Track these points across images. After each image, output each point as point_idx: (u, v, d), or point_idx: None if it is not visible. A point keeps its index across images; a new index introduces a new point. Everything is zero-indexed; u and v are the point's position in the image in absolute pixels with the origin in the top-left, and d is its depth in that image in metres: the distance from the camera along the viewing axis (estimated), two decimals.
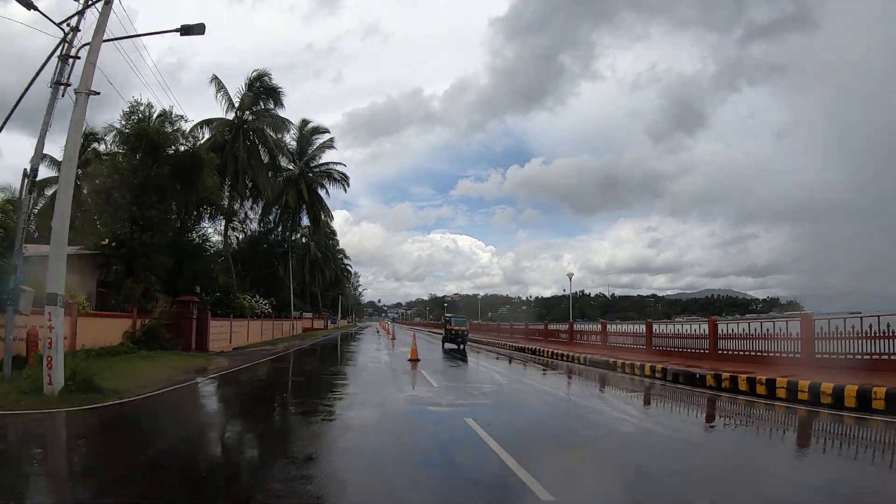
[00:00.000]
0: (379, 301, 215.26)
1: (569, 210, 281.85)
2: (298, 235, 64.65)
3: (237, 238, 40.40)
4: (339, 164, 45.42)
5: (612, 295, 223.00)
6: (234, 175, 35.86)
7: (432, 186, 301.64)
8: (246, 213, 39.38)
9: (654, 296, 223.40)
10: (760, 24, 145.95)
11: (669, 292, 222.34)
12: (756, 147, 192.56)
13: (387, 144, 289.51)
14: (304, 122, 45.18)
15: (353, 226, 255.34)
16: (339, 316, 66.20)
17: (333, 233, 75.87)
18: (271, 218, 42.97)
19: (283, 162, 43.80)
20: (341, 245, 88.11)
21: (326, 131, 45.98)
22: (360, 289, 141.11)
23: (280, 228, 42.64)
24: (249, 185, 38.22)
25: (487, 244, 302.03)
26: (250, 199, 39.14)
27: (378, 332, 62.81)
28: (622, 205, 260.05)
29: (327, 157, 45.60)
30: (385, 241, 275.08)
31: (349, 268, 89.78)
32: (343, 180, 44.16)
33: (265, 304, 33.93)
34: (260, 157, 37.55)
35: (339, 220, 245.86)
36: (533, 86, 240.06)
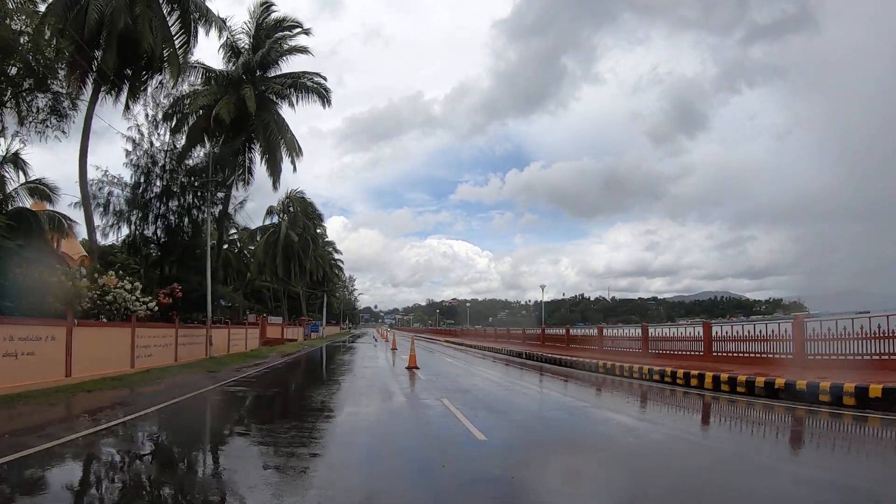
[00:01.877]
0: (375, 307, 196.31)
1: (567, 214, 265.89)
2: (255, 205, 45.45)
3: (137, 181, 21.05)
4: (316, 74, 26.24)
5: (613, 298, 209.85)
6: (94, 31, 16.75)
7: (431, 191, 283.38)
8: (138, 127, 20.19)
9: (654, 298, 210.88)
10: (761, 25, 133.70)
11: (667, 295, 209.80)
12: (756, 149, 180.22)
13: (386, 149, 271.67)
14: (264, 5, 25.97)
15: (350, 231, 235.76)
16: (325, 321, 46.09)
17: (319, 216, 56.65)
18: (200, 159, 23.36)
19: (222, 59, 24.77)
20: (335, 244, 69.03)
21: (297, 26, 26.84)
22: (355, 292, 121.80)
23: (218, 169, 23.12)
24: (144, 72, 19.11)
25: (484, 249, 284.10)
26: (145, 101, 20.06)
27: (376, 342, 43.42)
28: (621, 208, 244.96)
29: (296, 64, 26.53)
30: (383, 247, 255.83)
31: (340, 264, 70.59)
32: (321, 93, 24.99)
33: (135, 296, 14.54)
34: (160, 8, 18.51)
35: (337, 225, 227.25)
36: (534, 89, 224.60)
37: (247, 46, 25.25)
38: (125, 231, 21.02)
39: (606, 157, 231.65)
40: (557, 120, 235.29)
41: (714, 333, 13.05)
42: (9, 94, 13.78)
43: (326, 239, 64.94)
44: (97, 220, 19.64)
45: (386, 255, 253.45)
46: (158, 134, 21.17)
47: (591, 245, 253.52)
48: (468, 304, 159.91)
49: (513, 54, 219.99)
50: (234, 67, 23.81)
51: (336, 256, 68.29)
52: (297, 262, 42.67)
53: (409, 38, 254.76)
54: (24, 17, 12.86)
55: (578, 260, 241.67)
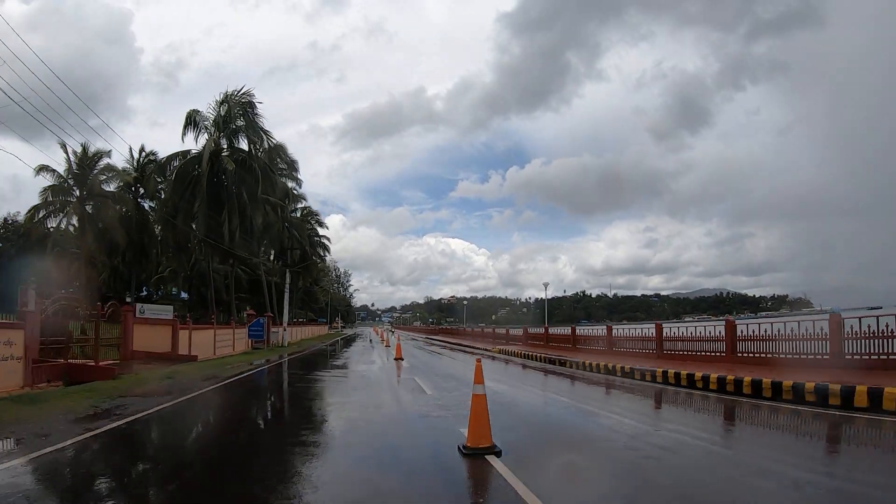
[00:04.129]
0: (372, 305, 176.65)
1: (566, 211, 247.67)
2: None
3: None
4: None
5: (615, 295, 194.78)
6: None
7: (431, 189, 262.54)
8: None
9: (657, 295, 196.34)
10: (766, 20, 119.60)
11: (665, 292, 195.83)
12: (757, 145, 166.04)
13: (386, 146, 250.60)
14: None
15: (349, 230, 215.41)
16: (286, 318, 24.50)
17: (291, 163, 36.46)
18: None
19: None
20: (320, 216, 48.51)
21: None
22: (350, 288, 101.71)
23: None
24: None
25: (481, 247, 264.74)
26: None
27: (371, 344, 24.23)
28: (620, 205, 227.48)
29: None
30: (381, 245, 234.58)
31: (325, 242, 49.98)
32: None
33: None
34: None
35: (335, 223, 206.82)
36: (537, 85, 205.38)
37: None
38: None
39: (607, 154, 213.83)
40: (560, 116, 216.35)
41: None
42: None
43: (306, 204, 44.79)
44: None
45: (384, 253, 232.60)
46: None
47: (590, 242, 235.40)
48: (453, 303, 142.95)
49: (517, 48, 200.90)
50: None
51: (321, 232, 48.06)
52: (234, 212, 22.54)
53: (413, 32, 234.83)
54: None
55: (576, 257, 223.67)
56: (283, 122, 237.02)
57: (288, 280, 24.94)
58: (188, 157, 23.55)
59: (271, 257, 39.42)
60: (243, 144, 24.65)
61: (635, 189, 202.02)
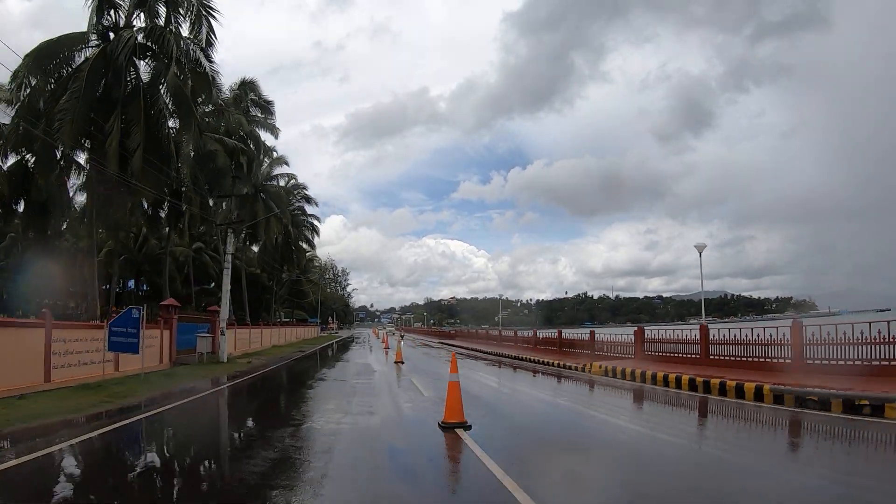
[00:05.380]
0: (371, 306, 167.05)
1: (567, 212, 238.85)
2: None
3: None
4: None
5: (617, 297, 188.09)
6: None
7: (433, 190, 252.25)
8: None
9: (660, 297, 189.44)
10: (772, 22, 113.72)
11: (664, 294, 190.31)
12: (761, 148, 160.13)
13: (389, 147, 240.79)
14: None
15: (350, 231, 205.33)
16: (226, 312, 13.85)
17: (266, 105, 26.45)
18: None
19: None
20: (307, 189, 38.09)
21: None
22: (348, 288, 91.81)
23: None
24: None
25: (481, 249, 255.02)
26: None
27: (370, 351, 14.19)
28: (621, 207, 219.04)
29: None
30: (381, 246, 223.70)
31: (314, 222, 39.51)
32: None
33: None
34: None
35: (336, 224, 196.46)
36: (542, 85, 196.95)
37: None
38: None
39: (609, 156, 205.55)
40: (563, 117, 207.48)
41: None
42: None
43: (289, 171, 34.44)
44: None
45: (384, 254, 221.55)
46: None
47: (590, 244, 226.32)
48: (453, 304, 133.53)
49: (522, 49, 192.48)
50: None
51: (309, 210, 37.77)
52: (137, 121, 12.45)
53: (418, 33, 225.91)
54: None
55: (577, 259, 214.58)
56: (285, 122, 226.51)
57: (230, 248, 14.31)
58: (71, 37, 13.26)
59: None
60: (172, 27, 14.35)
61: (637, 191, 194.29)
